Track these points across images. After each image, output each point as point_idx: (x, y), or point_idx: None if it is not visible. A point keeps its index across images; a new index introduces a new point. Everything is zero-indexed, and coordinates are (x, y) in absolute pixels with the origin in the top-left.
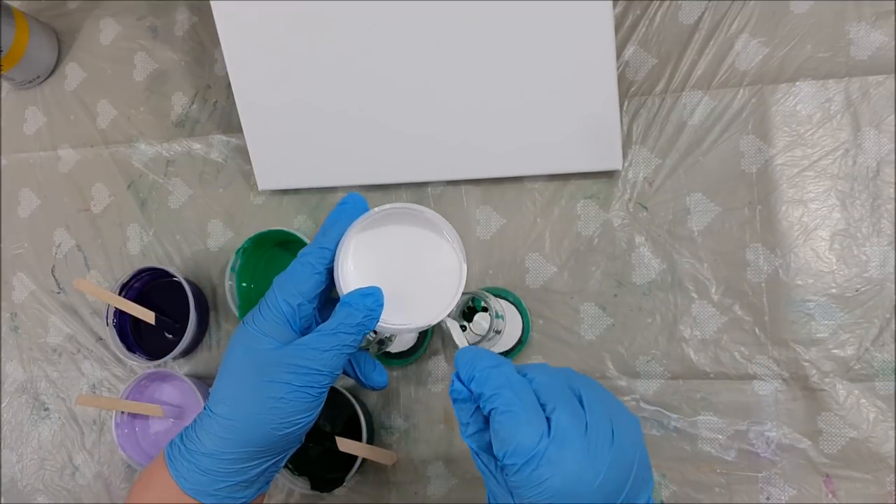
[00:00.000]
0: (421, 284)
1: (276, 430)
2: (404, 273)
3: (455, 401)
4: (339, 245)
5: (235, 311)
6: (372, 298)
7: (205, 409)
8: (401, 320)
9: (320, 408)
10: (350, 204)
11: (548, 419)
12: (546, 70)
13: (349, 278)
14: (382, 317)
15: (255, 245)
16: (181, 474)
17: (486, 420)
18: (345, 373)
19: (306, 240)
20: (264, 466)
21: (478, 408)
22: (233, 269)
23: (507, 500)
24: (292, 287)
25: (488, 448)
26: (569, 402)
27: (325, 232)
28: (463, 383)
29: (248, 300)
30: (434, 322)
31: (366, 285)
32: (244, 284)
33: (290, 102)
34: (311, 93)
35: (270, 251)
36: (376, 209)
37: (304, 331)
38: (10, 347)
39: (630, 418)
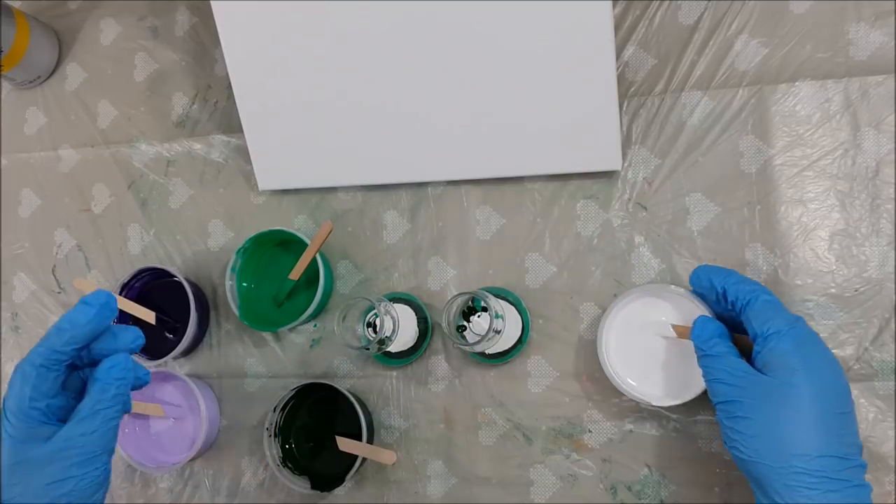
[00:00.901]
0: (676, 358)
1: None
2: (661, 346)
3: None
4: (604, 318)
5: (236, 311)
6: (117, 370)
7: None
8: (651, 392)
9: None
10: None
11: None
12: (546, 70)
13: (611, 352)
14: (633, 385)
15: (256, 245)
16: None
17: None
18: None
19: (306, 240)
20: None
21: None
22: (233, 269)
23: (746, 370)
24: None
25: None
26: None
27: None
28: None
29: (249, 300)
30: (685, 398)
31: (624, 357)
32: (244, 284)
33: (291, 103)
34: (311, 93)
35: (271, 251)
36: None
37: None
38: (11, 347)
39: None
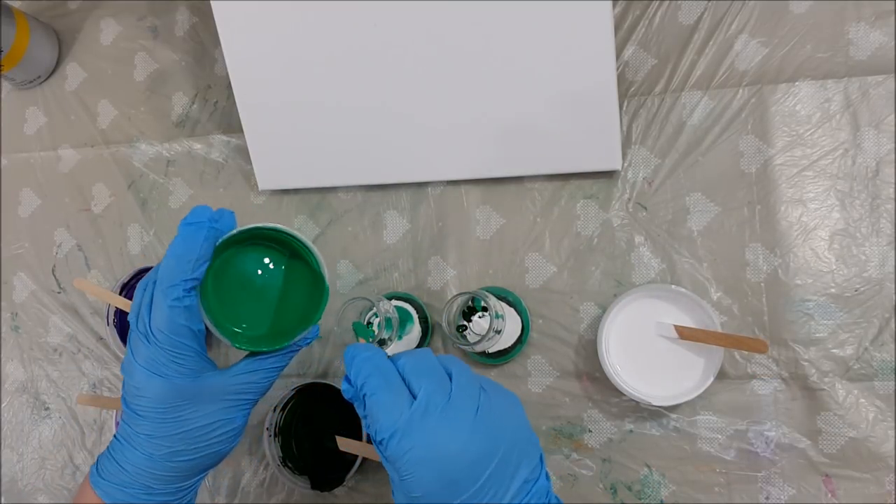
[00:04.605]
0: (676, 358)
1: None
2: (662, 346)
3: (349, 400)
4: (604, 318)
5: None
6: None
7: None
8: (651, 392)
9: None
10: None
11: (416, 396)
12: (546, 70)
13: (611, 352)
14: (634, 385)
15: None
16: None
17: None
18: None
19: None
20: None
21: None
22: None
23: (395, 476)
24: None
25: None
26: (435, 378)
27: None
28: (349, 382)
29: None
30: (686, 398)
31: (625, 357)
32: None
33: (291, 102)
34: (311, 93)
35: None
36: (648, 287)
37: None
38: (11, 347)
39: (507, 396)
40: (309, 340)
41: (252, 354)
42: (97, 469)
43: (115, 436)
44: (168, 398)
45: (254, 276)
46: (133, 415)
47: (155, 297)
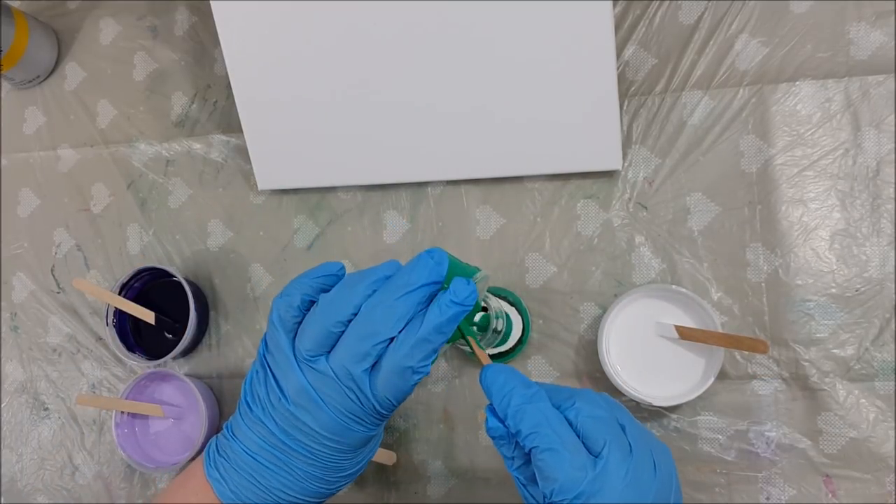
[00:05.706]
0: (677, 358)
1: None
2: (662, 346)
3: (493, 438)
4: (604, 318)
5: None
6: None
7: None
8: (652, 392)
9: None
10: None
11: (599, 453)
12: (546, 70)
13: (611, 352)
14: (634, 385)
15: None
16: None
17: (528, 453)
18: None
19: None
20: None
21: (517, 441)
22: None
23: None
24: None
25: (534, 479)
26: (617, 436)
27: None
28: (498, 418)
29: None
30: (686, 398)
31: (625, 358)
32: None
33: (290, 102)
34: (310, 92)
35: None
36: (640, 289)
37: None
38: (10, 347)
39: (663, 447)
40: None
41: None
42: (234, 494)
43: (250, 455)
44: (362, 443)
45: None
46: (307, 455)
47: (397, 366)
